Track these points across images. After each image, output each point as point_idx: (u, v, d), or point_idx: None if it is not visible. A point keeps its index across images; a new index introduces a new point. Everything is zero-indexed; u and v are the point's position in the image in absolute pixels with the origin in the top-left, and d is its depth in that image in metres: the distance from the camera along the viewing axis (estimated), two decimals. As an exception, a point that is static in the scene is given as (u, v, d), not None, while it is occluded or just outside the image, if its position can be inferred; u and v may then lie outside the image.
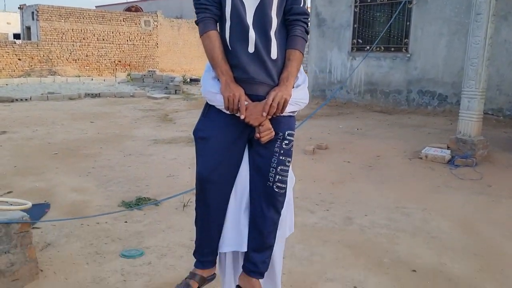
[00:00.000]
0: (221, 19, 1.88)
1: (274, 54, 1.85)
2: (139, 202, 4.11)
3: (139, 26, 21.09)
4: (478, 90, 5.36)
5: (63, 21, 18.83)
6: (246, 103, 1.83)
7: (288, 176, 1.99)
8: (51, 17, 18.53)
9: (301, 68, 2.01)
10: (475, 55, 5.32)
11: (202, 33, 1.88)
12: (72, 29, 19.14)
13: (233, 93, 1.80)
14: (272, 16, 1.83)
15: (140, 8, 26.64)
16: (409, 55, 9.57)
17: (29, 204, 2.56)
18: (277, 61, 1.87)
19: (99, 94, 13.10)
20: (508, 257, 3.11)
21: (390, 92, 10.00)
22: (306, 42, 1.92)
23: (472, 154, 5.40)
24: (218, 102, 1.88)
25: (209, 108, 1.97)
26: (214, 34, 1.86)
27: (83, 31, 19.46)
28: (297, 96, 1.91)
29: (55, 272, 2.76)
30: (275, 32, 1.84)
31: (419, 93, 9.52)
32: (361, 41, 10.40)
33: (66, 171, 5.15)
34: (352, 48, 10.55)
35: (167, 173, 5.19)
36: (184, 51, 22.90)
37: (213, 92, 1.89)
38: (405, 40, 9.61)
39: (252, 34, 1.81)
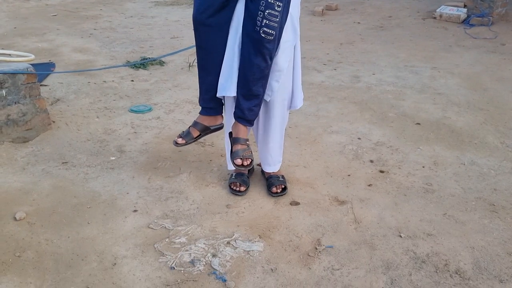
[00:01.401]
0: None
1: None
2: (144, 60, 4.07)
3: None
4: None
5: None
6: None
7: (290, 43, 1.90)
8: None
9: None
10: None
11: None
12: None
13: None
14: None
15: None
16: None
17: (32, 56, 2.52)
18: None
19: (94, -46, 12.19)
20: (513, 112, 3.13)
21: (408, -52, 9.19)
22: None
23: (489, 13, 5.14)
24: None
25: None
26: None
27: None
28: None
29: (67, 124, 2.83)
30: None
31: (439, -52, 8.75)
32: None
33: (68, 32, 5.02)
34: None
35: (170, 34, 5.06)
36: None
37: None
38: None
39: None
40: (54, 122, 2.79)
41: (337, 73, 3.89)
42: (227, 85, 1.94)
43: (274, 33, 1.78)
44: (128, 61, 4.10)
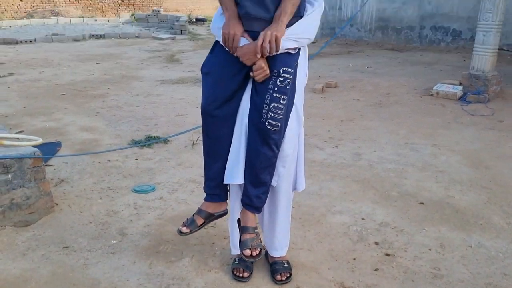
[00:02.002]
0: None
1: None
2: (149, 141, 4.14)
3: (141, -37, 20.26)
4: (494, 23, 5.15)
5: (62, -42, 18.12)
6: (246, 41, 1.84)
7: (294, 130, 1.95)
8: (50, -45, 17.81)
9: None
10: (493, -14, 5.07)
11: None
12: (73, -33, 18.45)
13: (228, 30, 1.82)
14: None
15: None
16: (423, -12, 9.18)
17: (40, 140, 2.58)
18: None
19: (104, 35, 12.87)
20: (516, 190, 3.13)
21: (402, 29, 9.70)
22: None
23: (484, 90, 5.30)
24: (220, 37, 1.91)
25: (215, 45, 2.00)
26: None
27: (84, -31, 18.75)
28: (294, 31, 1.84)
29: (69, 206, 2.83)
30: None
31: (432, 29, 9.23)
32: (373, -25, 9.95)
33: (75, 111, 5.16)
34: (364, -17, 10.12)
35: (175, 112, 5.18)
36: (188, -11, 22.13)
37: (218, 27, 1.92)
38: (420, -27, 9.19)
39: None
40: (57, 204, 2.79)
41: (338, 151, 3.94)
42: (235, 173, 1.96)
43: (279, 124, 1.84)
44: (133, 140, 4.18)
